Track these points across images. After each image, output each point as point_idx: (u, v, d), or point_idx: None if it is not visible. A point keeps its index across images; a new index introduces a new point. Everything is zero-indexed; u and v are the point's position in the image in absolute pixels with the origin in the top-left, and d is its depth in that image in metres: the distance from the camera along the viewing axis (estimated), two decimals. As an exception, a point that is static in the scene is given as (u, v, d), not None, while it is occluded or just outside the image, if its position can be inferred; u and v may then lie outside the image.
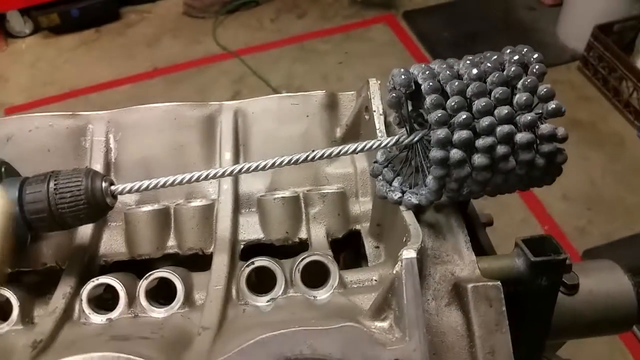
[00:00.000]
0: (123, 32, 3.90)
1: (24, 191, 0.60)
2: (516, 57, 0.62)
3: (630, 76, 3.01)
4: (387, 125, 0.78)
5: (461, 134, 0.59)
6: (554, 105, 0.58)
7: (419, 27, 3.64)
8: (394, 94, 0.62)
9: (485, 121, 0.59)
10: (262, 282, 0.70)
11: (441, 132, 0.59)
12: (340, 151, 0.66)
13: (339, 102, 0.86)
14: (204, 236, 0.75)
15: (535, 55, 0.62)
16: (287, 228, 0.77)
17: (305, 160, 0.65)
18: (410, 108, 0.67)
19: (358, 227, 0.80)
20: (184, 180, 0.64)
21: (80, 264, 0.69)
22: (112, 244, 0.75)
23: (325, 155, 0.66)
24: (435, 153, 0.60)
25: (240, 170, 0.65)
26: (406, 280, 0.54)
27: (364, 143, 0.66)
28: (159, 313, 0.64)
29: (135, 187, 0.64)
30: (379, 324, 0.58)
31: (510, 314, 0.64)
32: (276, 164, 0.65)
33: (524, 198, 2.74)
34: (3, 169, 0.61)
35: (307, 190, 0.80)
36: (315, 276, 0.71)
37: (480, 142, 0.60)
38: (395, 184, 0.69)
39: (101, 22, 3.91)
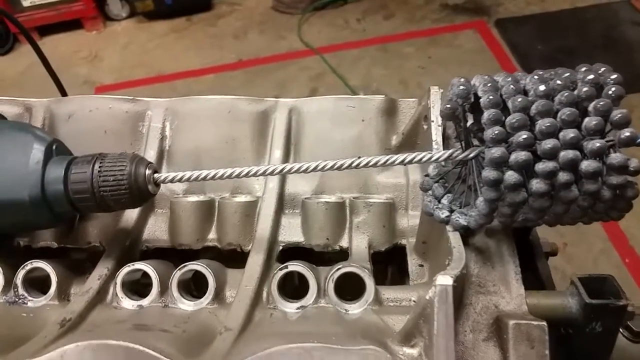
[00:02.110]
0: (213, 23, 4.02)
1: (69, 170, 0.61)
2: (591, 77, 0.56)
3: None
4: (447, 137, 0.74)
5: (519, 156, 0.54)
6: (628, 133, 0.51)
7: (511, 36, 3.47)
8: (448, 105, 0.58)
9: (548, 144, 0.54)
10: (302, 286, 0.68)
11: (496, 151, 0.54)
12: (387, 161, 0.63)
13: (399, 108, 0.82)
14: (244, 233, 0.74)
15: (614, 76, 0.56)
16: (329, 234, 0.74)
17: (349, 166, 0.63)
18: (471, 121, 0.62)
19: (404, 241, 0.76)
20: (225, 175, 0.63)
21: (122, 247, 0.70)
22: (156, 230, 0.76)
23: (371, 163, 0.63)
24: (488, 173, 0.55)
25: (282, 170, 0.63)
26: (439, 308, 0.50)
27: (414, 154, 0.62)
28: (188, 306, 0.64)
29: (178, 177, 0.64)
30: (407, 350, 0.55)
31: (557, 359, 0.58)
32: (319, 168, 0.63)
33: (605, 227, 2.54)
34: (54, 147, 0.63)
35: (354, 197, 0.77)
36: (352, 287, 0.68)
37: (540, 167, 0.54)
38: (445, 201, 0.65)
39: (193, 11, 4.06)
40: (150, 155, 0.79)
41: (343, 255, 0.75)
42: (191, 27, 4.00)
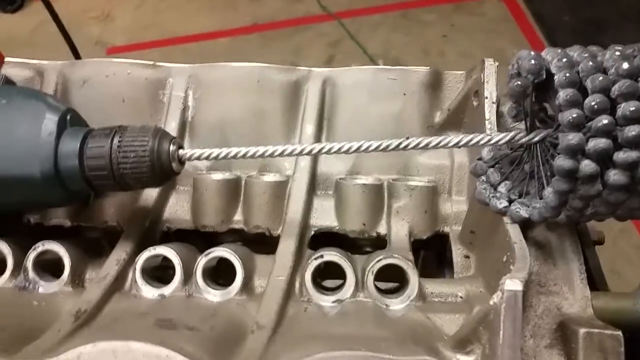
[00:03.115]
0: (229, -18, 3.88)
1: (86, 144, 0.55)
2: None
3: None
4: (499, 115, 0.66)
5: (598, 143, 0.47)
6: None
7: (537, 6, 3.31)
8: (519, 82, 0.50)
9: (632, 130, 0.47)
10: (328, 271, 0.62)
11: (574, 137, 0.47)
12: (439, 142, 0.56)
13: (444, 81, 0.74)
14: (273, 215, 0.68)
15: None
16: (365, 219, 0.68)
17: (396, 147, 0.56)
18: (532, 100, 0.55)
19: (446, 229, 0.70)
20: (257, 154, 0.57)
21: (141, 228, 0.64)
22: (178, 209, 0.70)
23: (421, 145, 0.56)
24: (562, 162, 0.48)
25: (319, 150, 0.56)
26: (505, 316, 0.44)
27: (470, 136, 0.55)
28: (214, 296, 0.58)
29: (205, 155, 0.58)
30: (462, 357, 0.49)
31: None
32: (362, 149, 0.56)
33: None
34: (69, 117, 0.56)
35: (393, 180, 0.70)
36: (388, 277, 0.62)
37: (621, 156, 0.47)
38: (502, 189, 0.58)
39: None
40: (172, 127, 0.73)
41: (380, 242, 0.69)
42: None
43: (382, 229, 0.68)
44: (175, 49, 3.37)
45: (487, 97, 0.65)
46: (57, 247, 0.59)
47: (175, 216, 0.69)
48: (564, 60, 0.50)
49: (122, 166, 0.54)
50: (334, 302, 0.58)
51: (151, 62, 0.75)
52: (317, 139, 0.72)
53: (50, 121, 0.55)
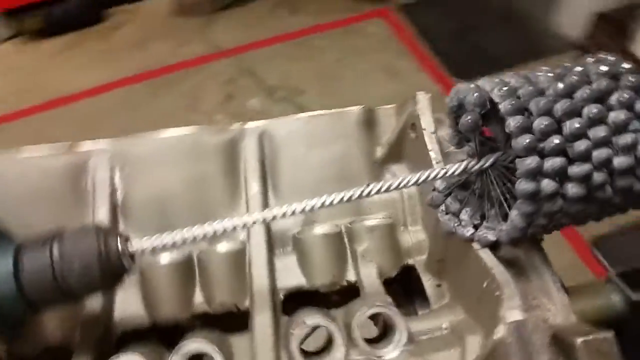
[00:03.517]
0: (109, 35, 3.73)
1: (20, 261, 0.48)
2: (605, 68, 0.53)
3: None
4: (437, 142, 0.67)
5: (554, 162, 0.49)
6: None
7: (417, 20, 3.49)
8: (470, 117, 0.51)
9: (581, 145, 0.50)
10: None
11: (531, 161, 0.49)
12: (400, 183, 0.55)
13: (378, 118, 0.74)
14: (237, 287, 0.64)
15: (627, 66, 0.53)
16: (333, 270, 0.66)
17: (360, 196, 0.54)
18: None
19: (411, 261, 0.69)
20: (218, 232, 0.52)
21: (94, 339, 0.57)
22: (129, 307, 0.62)
23: (383, 189, 0.55)
24: (525, 185, 0.49)
25: (283, 214, 0.53)
26: (516, 347, 0.44)
27: (427, 172, 0.55)
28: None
29: (157, 244, 0.52)
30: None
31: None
32: (326, 204, 0.54)
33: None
34: (-9, 237, 0.49)
35: (350, 223, 0.69)
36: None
37: (576, 170, 0.50)
38: (464, 216, 0.59)
39: (85, 25, 3.75)
40: (102, 214, 0.66)
41: (351, 289, 0.67)
42: (85, 43, 3.67)
43: (351, 276, 0.66)
44: (62, 111, 3.17)
45: (425, 129, 0.66)
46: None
47: (128, 314, 0.62)
48: (505, 88, 0.51)
49: (68, 277, 0.48)
50: (326, 368, 0.55)
51: (65, 146, 0.68)
52: (264, 195, 0.69)
53: (-30, 244, 0.47)
